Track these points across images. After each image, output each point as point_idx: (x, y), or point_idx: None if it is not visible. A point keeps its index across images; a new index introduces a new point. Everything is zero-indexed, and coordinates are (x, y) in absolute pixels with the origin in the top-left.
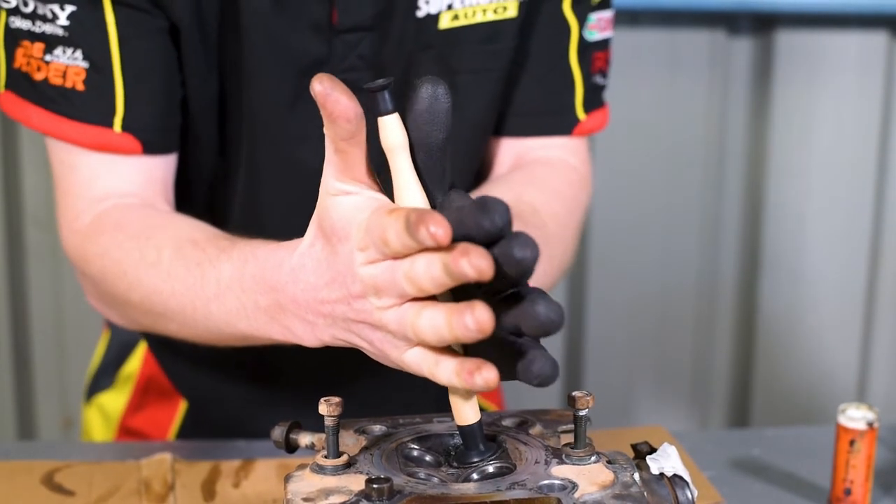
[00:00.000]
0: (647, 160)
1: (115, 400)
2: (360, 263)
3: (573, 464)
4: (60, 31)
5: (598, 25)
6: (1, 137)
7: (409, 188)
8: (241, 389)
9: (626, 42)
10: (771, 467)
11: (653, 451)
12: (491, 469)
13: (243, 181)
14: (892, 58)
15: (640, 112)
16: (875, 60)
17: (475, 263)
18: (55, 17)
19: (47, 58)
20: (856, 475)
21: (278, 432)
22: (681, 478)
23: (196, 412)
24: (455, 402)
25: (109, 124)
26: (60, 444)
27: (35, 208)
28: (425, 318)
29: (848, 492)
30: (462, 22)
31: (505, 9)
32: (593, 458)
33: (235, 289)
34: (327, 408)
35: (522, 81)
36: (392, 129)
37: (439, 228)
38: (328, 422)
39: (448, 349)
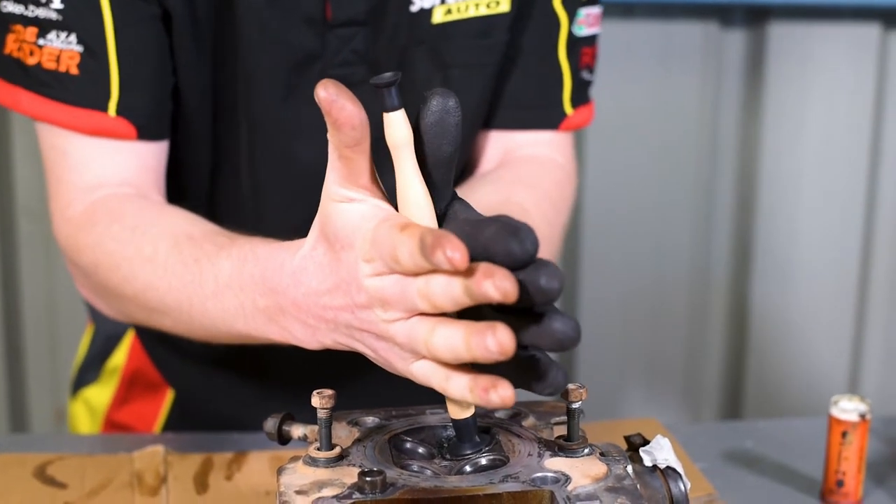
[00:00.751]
0: (640, 152)
1: (100, 394)
2: (365, 275)
3: (566, 456)
4: (54, 15)
5: (587, 21)
6: None
7: (412, 187)
8: (230, 381)
9: (620, 34)
10: (763, 459)
11: (646, 443)
12: (484, 461)
13: (239, 175)
14: (884, 50)
15: (632, 104)
16: (868, 53)
17: (500, 286)
18: (49, 1)
19: (40, 42)
20: (848, 467)
21: (271, 424)
22: (674, 470)
23: (182, 405)
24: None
25: (104, 108)
26: (52, 437)
27: (27, 199)
28: (440, 336)
29: (840, 483)
30: (455, 16)
31: (497, 3)
32: (586, 451)
33: (234, 288)
34: (320, 400)
35: (512, 75)
36: (398, 126)
37: (456, 252)
38: (321, 414)
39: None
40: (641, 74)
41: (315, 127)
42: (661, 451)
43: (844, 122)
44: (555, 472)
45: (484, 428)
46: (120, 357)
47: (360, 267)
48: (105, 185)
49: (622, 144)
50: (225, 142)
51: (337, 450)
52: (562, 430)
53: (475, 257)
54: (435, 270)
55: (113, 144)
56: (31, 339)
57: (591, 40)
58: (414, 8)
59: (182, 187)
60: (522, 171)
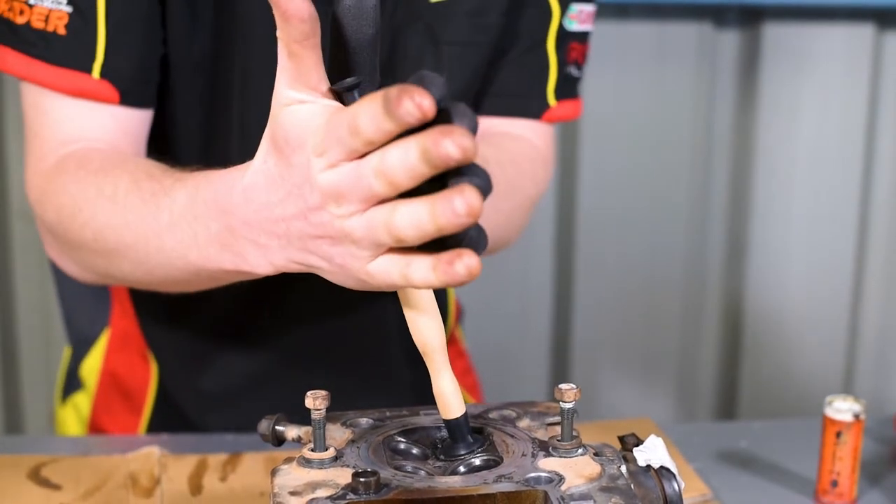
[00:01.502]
0: (634, 152)
1: (84, 400)
2: (318, 170)
3: (560, 456)
4: None
5: (579, 17)
6: None
7: None
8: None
9: (615, 34)
10: (758, 459)
11: (640, 443)
12: (478, 462)
13: (235, 142)
14: (878, 50)
15: (627, 104)
16: (861, 53)
17: (460, 143)
18: None
19: (31, 1)
20: (842, 467)
21: (265, 425)
22: (668, 470)
23: (162, 413)
24: (439, 395)
25: (88, 70)
26: (47, 439)
27: (21, 202)
28: (403, 213)
29: (835, 484)
30: None
31: None
32: (580, 451)
33: (188, 217)
34: (313, 401)
35: (501, 62)
36: None
37: (424, 98)
38: (315, 415)
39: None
40: (636, 75)
41: None
42: (654, 451)
43: (838, 122)
44: (549, 472)
45: (477, 428)
46: (94, 362)
47: (313, 163)
48: (81, 140)
49: (617, 144)
50: (222, 109)
51: (331, 451)
52: (556, 431)
53: None
54: (392, 141)
55: (94, 106)
56: (26, 340)
57: (581, 37)
58: None
59: (178, 157)
60: (494, 138)
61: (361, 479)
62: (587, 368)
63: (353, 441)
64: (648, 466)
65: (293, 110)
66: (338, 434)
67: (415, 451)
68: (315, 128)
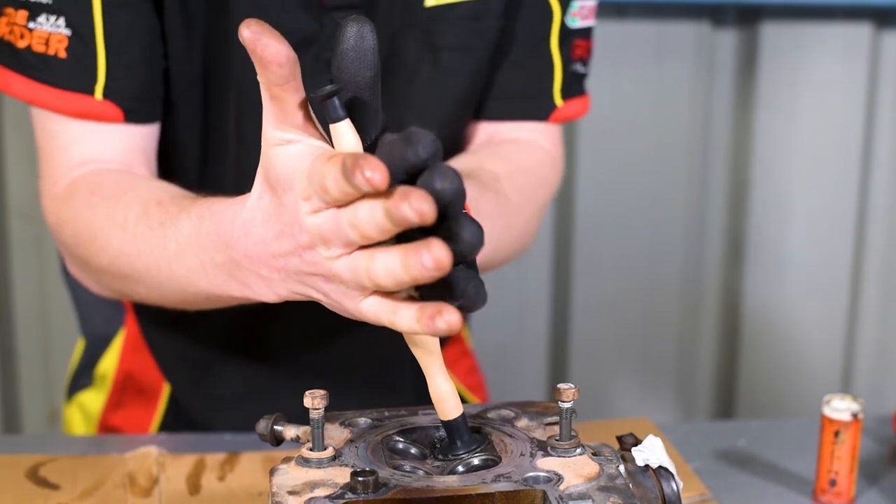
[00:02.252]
0: (632, 151)
1: (94, 398)
2: (305, 213)
3: (558, 456)
4: None
5: (581, 13)
6: None
7: None
8: (228, 376)
9: (613, 33)
10: (756, 459)
11: (638, 442)
12: (476, 461)
13: (233, 156)
14: (876, 49)
15: (625, 103)
16: (859, 52)
17: (416, 207)
18: None
19: (31, 25)
20: (841, 466)
21: (263, 425)
22: (666, 469)
23: (176, 408)
24: (436, 397)
25: (90, 91)
26: (45, 438)
27: (19, 201)
28: (379, 263)
29: (833, 483)
30: (447, 0)
31: None
32: (578, 451)
33: (193, 246)
34: (312, 400)
35: (503, 65)
36: (345, 136)
37: (375, 173)
38: (313, 414)
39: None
40: (634, 74)
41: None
42: (653, 451)
43: (836, 121)
44: (547, 471)
45: (476, 428)
46: (110, 361)
47: (300, 206)
48: (91, 162)
49: (615, 144)
50: (219, 122)
51: (329, 450)
52: (554, 430)
53: (393, 174)
54: (362, 197)
55: (100, 127)
56: (24, 340)
57: (585, 33)
58: None
59: (171, 173)
60: (501, 148)
61: (360, 479)
62: (586, 368)
63: (351, 441)
64: (647, 466)
65: (281, 151)
66: (336, 434)
67: (413, 450)
68: (301, 172)
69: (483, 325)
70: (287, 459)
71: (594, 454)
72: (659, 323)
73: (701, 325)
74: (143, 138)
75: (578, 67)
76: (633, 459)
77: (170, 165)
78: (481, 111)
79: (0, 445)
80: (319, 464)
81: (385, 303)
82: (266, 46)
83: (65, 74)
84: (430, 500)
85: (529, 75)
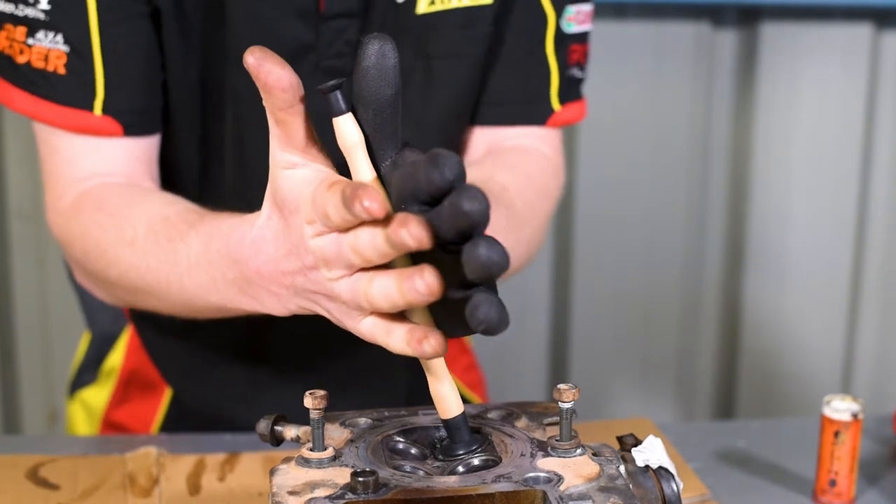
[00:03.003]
0: (632, 152)
1: (97, 395)
2: (309, 236)
3: (559, 456)
4: (42, 15)
5: (577, 18)
6: None
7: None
8: (228, 376)
9: (612, 34)
10: (756, 459)
11: (638, 443)
12: (476, 462)
13: (231, 161)
14: (876, 50)
15: (624, 104)
16: (859, 52)
17: (414, 233)
18: (37, 0)
19: (29, 41)
20: (841, 466)
21: (263, 425)
22: (666, 470)
23: (180, 404)
24: (437, 395)
25: (90, 107)
26: (45, 439)
27: (19, 202)
28: (377, 286)
29: (833, 483)
30: (438, 7)
31: None
32: (579, 451)
33: (203, 263)
34: (312, 401)
35: (497, 70)
36: (347, 129)
37: (373, 203)
38: (313, 415)
39: (400, 316)
40: (633, 75)
41: None
42: (653, 451)
43: (836, 121)
44: (547, 472)
45: (476, 428)
46: (116, 358)
47: (305, 229)
48: (95, 176)
49: (614, 144)
50: (214, 136)
51: (329, 451)
52: (554, 431)
53: (408, 192)
54: (362, 224)
55: (100, 141)
56: (24, 340)
57: (581, 38)
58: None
59: (171, 182)
60: (507, 158)
61: (360, 479)
62: (586, 369)
63: (351, 441)
64: (647, 466)
65: (288, 175)
66: (336, 434)
67: (413, 450)
68: (306, 196)
69: None
70: (287, 460)
71: (594, 454)
72: (659, 323)
73: (701, 326)
74: (144, 150)
75: (575, 72)
76: (633, 460)
77: (170, 172)
78: (478, 117)
79: (0, 445)
80: (319, 464)
81: (381, 323)
82: (269, 73)
83: (64, 90)
84: (431, 500)
85: (526, 80)
